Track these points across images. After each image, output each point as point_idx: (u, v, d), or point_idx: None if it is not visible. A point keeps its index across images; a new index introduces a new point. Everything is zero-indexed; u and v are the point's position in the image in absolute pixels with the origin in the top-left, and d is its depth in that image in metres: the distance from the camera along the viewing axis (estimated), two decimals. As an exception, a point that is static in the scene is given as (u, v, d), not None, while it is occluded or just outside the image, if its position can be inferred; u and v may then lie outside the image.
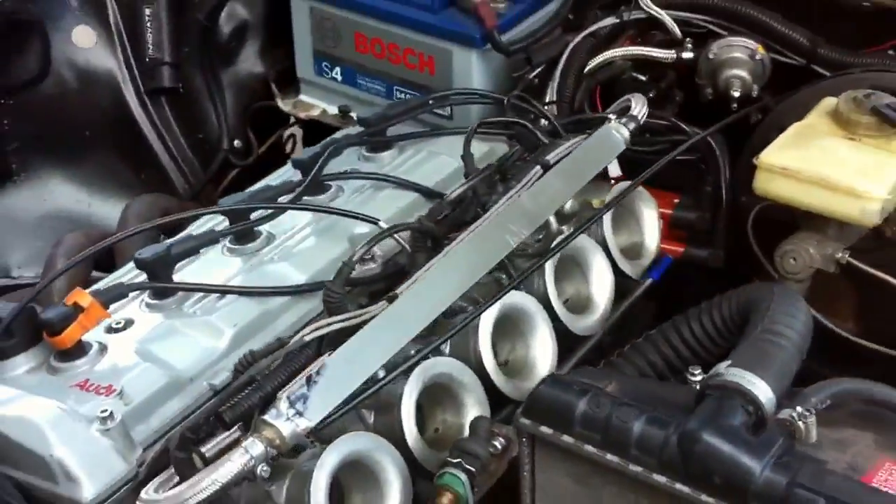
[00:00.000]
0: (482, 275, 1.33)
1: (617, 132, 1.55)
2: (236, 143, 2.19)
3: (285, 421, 1.12)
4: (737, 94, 1.74)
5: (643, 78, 1.89)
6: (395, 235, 1.38)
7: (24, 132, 2.14)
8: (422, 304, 1.27)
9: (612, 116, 1.59)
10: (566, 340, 1.44)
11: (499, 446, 1.23)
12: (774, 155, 1.47)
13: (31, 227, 2.14)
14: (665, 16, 1.84)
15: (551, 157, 1.51)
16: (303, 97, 2.16)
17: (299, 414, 1.12)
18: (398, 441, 1.25)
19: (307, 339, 1.22)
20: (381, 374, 1.24)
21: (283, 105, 2.16)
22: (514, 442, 1.23)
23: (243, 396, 1.16)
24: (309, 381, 1.14)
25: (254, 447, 1.10)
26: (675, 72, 1.90)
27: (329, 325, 1.25)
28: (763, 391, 1.13)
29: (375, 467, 1.19)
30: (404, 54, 1.96)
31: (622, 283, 1.55)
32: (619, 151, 1.53)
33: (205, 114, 2.23)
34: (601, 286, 1.49)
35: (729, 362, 1.16)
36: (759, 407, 1.12)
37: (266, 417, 1.12)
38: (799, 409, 1.09)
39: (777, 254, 1.48)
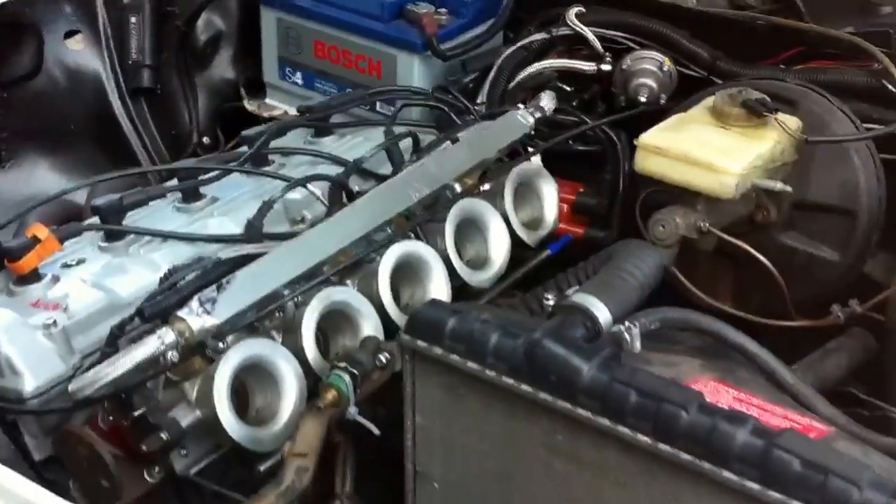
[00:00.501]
0: (384, 219, 1.54)
1: (522, 117, 1.76)
2: (205, 139, 2.40)
3: (195, 317, 1.32)
4: (643, 100, 1.95)
5: (568, 88, 2.11)
6: (310, 186, 1.59)
7: (15, 123, 2.34)
8: (326, 238, 1.48)
9: (521, 107, 1.81)
10: (463, 294, 1.64)
11: (383, 360, 1.42)
12: (651, 137, 1.68)
13: (16, 209, 2.34)
14: (588, 32, 2.05)
15: (461, 134, 1.73)
16: (268, 100, 2.39)
17: (207, 312, 1.32)
18: (302, 360, 1.44)
19: (224, 257, 1.43)
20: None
21: (249, 106, 2.38)
22: (396, 357, 1.42)
23: (163, 297, 1.36)
24: (219, 287, 1.35)
25: (166, 335, 1.31)
26: (599, 84, 2.11)
27: (245, 250, 1.46)
28: (601, 311, 1.32)
29: (274, 370, 1.39)
30: (356, 59, 2.17)
31: (523, 253, 1.75)
32: (522, 133, 1.74)
33: (178, 112, 2.43)
34: (498, 247, 1.68)
35: (577, 289, 1.36)
36: (596, 322, 1.32)
37: (179, 313, 1.32)
38: (627, 323, 1.29)
39: (650, 223, 1.67)
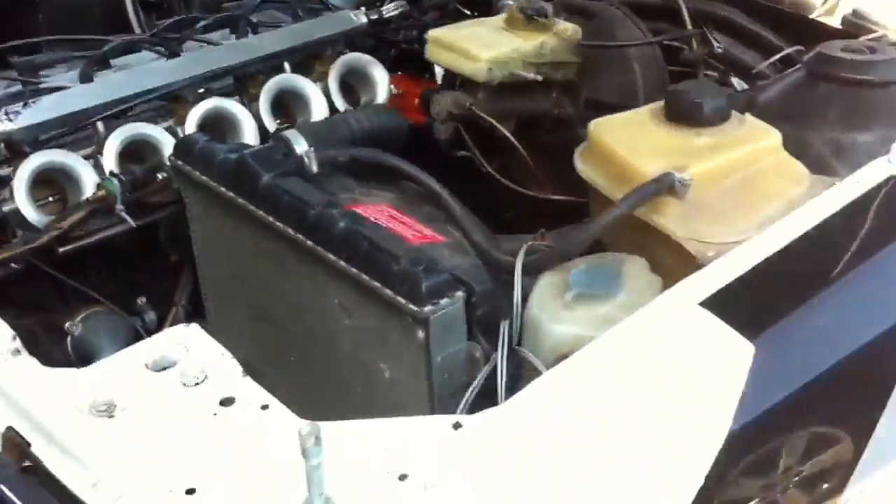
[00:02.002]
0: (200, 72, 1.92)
1: (355, 16, 2.10)
2: None
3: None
4: None
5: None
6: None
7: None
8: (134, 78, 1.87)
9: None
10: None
11: (159, 177, 1.79)
12: (438, 31, 1.99)
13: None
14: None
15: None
16: None
17: (10, 120, 1.72)
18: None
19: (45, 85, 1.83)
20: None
21: None
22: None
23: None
24: (25, 105, 1.75)
25: None
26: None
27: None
28: (300, 143, 1.65)
29: (72, 173, 1.77)
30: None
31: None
32: (348, 27, 2.08)
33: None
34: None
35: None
36: (292, 150, 1.64)
37: (-13, 119, 1.73)
38: (308, 150, 1.60)
39: (430, 104, 1.98)
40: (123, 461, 1.17)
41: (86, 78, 1.88)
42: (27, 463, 1.22)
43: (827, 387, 1.24)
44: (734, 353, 1.17)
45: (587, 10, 2.02)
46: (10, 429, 1.24)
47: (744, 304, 1.26)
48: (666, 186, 1.46)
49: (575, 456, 1.11)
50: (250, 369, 1.24)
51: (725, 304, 1.24)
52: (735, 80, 1.91)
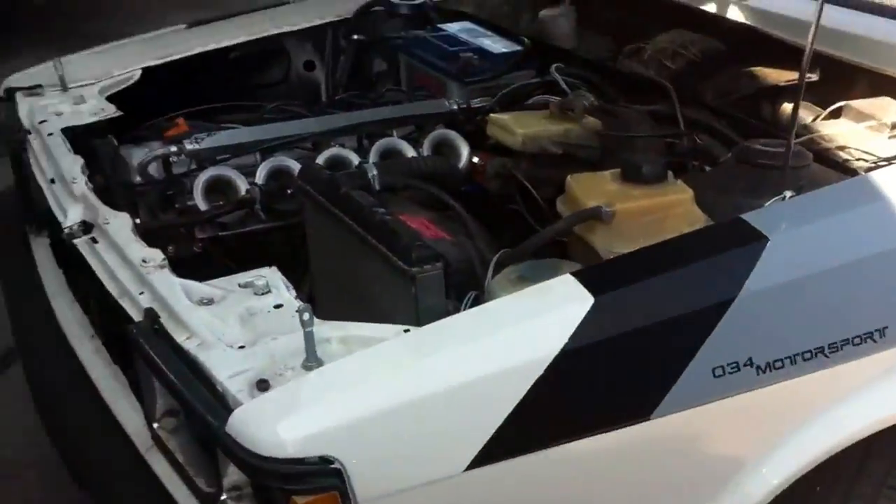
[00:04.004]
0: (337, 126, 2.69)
1: (449, 104, 2.84)
2: None
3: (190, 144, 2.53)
4: None
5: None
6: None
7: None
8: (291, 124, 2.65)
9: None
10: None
11: (288, 192, 2.55)
12: (496, 115, 2.69)
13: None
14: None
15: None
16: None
17: (197, 143, 2.53)
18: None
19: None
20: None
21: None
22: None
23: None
24: (209, 135, 2.55)
25: (172, 149, 2.53)
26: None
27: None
28: (371, 170, 2.37)
29: (232, 182, 2.55)
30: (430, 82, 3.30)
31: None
32: (443, 110, 2.82)
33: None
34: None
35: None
36: (365, 174, 2.36)
37: (184, 141, 2.54)
38: (372, 170, 2.33)
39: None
40: (207, 327, 1.90)
41: (250, 123, 2.68)
42: (156, 326, 1.96)
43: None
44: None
45: (614, 112, 2.69)
46: (150, 308, 1.99)
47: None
48: (595, 213, 2.11)
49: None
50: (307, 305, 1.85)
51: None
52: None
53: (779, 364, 1.85)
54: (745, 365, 1.83)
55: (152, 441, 2.01)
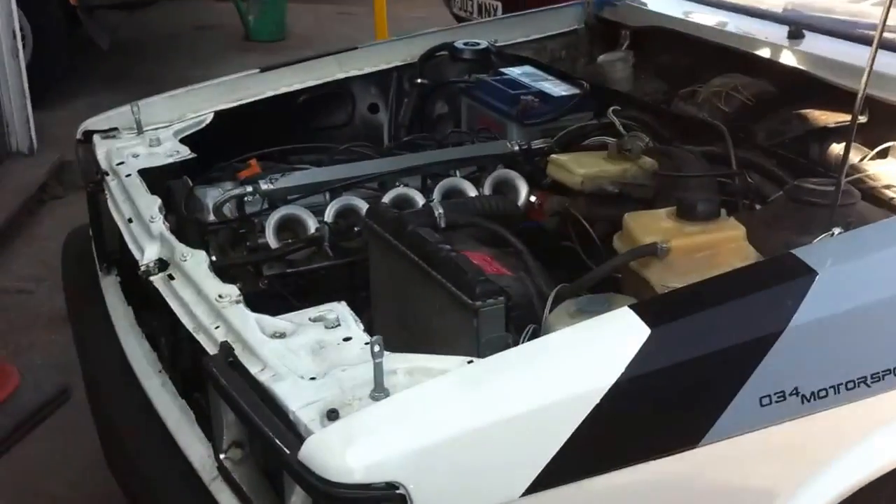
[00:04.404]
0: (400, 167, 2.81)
1: (510, 145, 2.93)
2: None
3: (265, 184, 2.65)
4: None
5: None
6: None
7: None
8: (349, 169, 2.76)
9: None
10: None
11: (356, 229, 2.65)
12: (556, 156, 2.78)
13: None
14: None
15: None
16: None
17: (271, 183, 2.65)
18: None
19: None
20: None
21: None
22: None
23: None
24: (282, 175, 2.67)
25: (248, 189, 2.65)
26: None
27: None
28: (437, 209, 2.47)
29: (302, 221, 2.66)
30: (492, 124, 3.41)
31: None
32: (501, 151, 2.93)
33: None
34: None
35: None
36: (431, 212, 2.46)
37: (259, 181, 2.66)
38: (437, 209, 2.42)
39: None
40: (279, 359, 2.00)
41: (321, 164, 2.80)
42: (230, 358, 2.06)
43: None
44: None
45: (668, 153, 2.78)
46: (225, 342, 2.10)
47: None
48: (651, 250, 2.19)
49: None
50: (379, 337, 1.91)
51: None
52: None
53: (823, 393, 1.93)
54: (791, 394, 1.91)
55: (217, 472, 2.10)
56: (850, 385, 1.93)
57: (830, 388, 1.93)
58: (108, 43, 7.98)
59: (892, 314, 1.98)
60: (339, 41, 9.61)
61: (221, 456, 2.08)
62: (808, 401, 1.91)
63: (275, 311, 2.16)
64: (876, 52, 2.08)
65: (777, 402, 1.89)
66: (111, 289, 2.98)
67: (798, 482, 1.96)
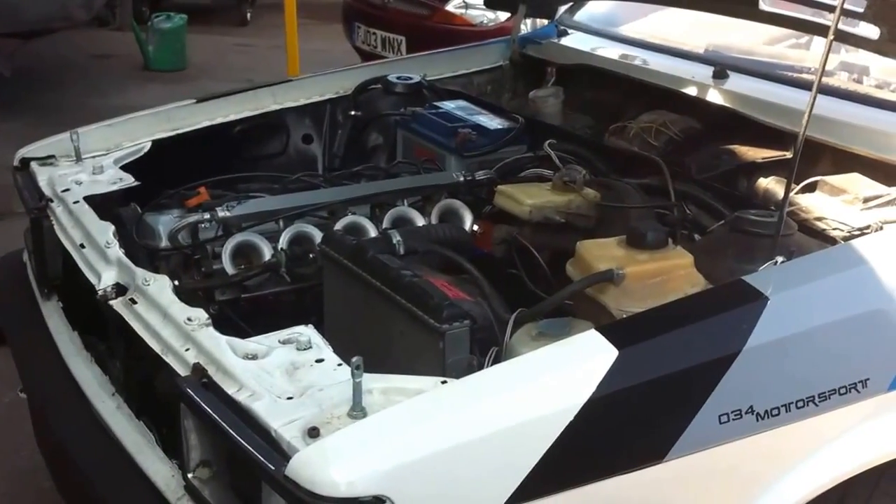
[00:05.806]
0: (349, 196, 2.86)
1: (456, 176, 3.02)
2: None
3: (222, 212, 2.69)
4: None
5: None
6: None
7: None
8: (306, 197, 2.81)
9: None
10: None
11: (311, 256, 2.70)
12: (504, 186, 2.87)
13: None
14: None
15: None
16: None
17: (228, 211, 2.68)
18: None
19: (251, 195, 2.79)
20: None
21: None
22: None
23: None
24: (238, 203, 2.71)
25: (205, 216, 2.68)
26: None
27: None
28: (395, 237, 2.54)
29: (258, 247, 2.70)
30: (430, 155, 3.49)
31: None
32: (449, 181, 3.00)
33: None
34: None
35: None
36: (389, 239, 2.53)
37: (217, 209, 2.69)
38: (395, 236, 2.49)
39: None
40: (255, 379, 2.03)
41: (274, 193, 2.84)
42: (205, 379, 2.09)
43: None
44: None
45: (610, 185, 2.89)
46: (197, 363, 2.12)
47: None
48: (608, 276, 2.28)
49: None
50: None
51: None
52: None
53: (776, 412, 2.04)
54: (746, 412, 2.01)
55: (184, 491, 2.12)
56: (800, 404, 2.05)
57: (782, 406, 2.03)
58: (9, 70, 7.87)
59: (836, 337, 2.10)
60: (239, 72, 9.69)
61: (189, 475, 2.10)
62: (762, 418, 2.02)
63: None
64: (816, 94, 2.20)
65: (734, 419, 1.99)
66: (54, 314, 2.96)
67: (754, 495, 2.07)
